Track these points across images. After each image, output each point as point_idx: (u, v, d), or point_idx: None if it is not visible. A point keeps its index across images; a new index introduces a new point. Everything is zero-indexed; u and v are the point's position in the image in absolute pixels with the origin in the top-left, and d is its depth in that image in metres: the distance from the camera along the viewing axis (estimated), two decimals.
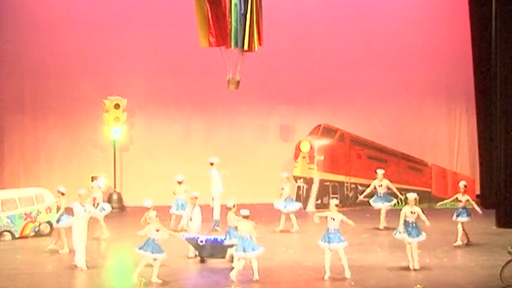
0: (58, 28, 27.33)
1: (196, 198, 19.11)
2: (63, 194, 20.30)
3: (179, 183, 22.88)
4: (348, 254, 19.01)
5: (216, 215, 22.60)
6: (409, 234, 17.72)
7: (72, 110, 27.71)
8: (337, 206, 17.43)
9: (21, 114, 27.83)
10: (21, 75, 27.66)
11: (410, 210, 17.78)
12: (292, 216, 22.52)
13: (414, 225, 17.78)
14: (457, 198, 20.56)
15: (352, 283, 16.48)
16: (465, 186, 20.50)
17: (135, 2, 27.70)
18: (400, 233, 17.78)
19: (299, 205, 23.23)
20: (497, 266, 16.48)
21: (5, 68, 27.47)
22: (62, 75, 27.51)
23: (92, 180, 26.06)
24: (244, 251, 16.77)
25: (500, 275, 16.01)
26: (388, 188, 23.00)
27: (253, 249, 16.80)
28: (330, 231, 17.18)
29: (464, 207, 20.36)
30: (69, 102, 27.65)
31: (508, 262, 16.09)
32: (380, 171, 23.14)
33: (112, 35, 27.49)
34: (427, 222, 17.66)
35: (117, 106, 27.03)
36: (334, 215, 17.20)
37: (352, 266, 17.81)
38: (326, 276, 16.93)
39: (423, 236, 17.84)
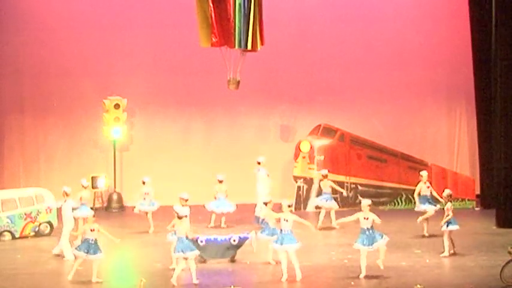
0: (58, 28, 27.33)
1: (186, 200, 18.78)
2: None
3: (220, 182, 22.99)
4: (348, 254, 19.04)
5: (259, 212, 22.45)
6: (363, 243, 17.03)
7: (72, 110, 27.72)
8: (289, 206, 17.21)
9: (21, 114, 27.84)
10: (21, 75, 27.66)
11: (364, 216, 17.15)
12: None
13: (370, 232, 17.06)
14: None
15: (352, 283, 16.48)
16: (450, 196, 19.24)
17: (135, 2, 27.71)
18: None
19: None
20: (497, 266, 16.48)
21: (5, 68, 27.47)
22: (62, 75, 27.51)
23: (92, 180, 26.13)
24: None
25: (500, 275, 16.00)
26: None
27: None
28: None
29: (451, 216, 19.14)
30: (69, 102, 27.65)
31: (508, 262, 16.08)
32: (324, 172, 23.31)
33: (112, 34, 27.50)
34: (378, 220, 17.12)
35: (117, 106, 27.03)
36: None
37: (352, 266, 17.82)
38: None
39: (384, 241, 17.10)
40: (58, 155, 27.90)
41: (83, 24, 27.33)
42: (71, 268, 17.31)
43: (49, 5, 27.57)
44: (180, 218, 16.85)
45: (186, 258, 16.53)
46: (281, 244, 16.88)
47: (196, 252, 16.86)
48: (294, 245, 16.86)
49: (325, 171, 23.43)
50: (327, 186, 23.16)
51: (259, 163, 23.37)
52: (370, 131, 27.48)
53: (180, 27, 25.94)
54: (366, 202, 17.23)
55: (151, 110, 27.95)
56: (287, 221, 16.92)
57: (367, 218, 17.05)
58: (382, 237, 17.07)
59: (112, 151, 27.36)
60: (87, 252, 17.08)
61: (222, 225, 22.83)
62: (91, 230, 17.15)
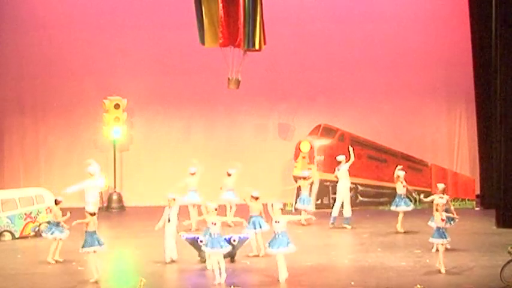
0: (58, 28, 27.34)
1: (174, 200, 18.68)
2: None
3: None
4: (348, 254, 19.06)
5: (347, 212, 22.58)
6: (271, 245, 16.72)
7: (72, 110, 27.72)
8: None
9: (21, 114, 27.84)
10: (21, 75, 27.67)
11: (275, 220, 16.74)
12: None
13: (280, 236, 16.70)
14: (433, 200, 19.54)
15: (353, 283, 16.48)
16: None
17: (135, 2, 27.71)
18: None
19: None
20: (497, 266, 16.48)
21: (5, 68, 27.47)
22: (62, 75, 27.52)
23: None
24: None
25: (500, 275, 16.00)
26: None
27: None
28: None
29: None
30: (69, 102, 27.66)
31: (508, 262, 16.08)
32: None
33: (112, 35, 27.50)
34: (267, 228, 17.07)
35: (117, 106, 27.04)
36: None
37: (352, 266, 17.83)
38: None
39: (288, 249, 16.71)
40: (58, 155, 27.90)
41: (83, 25, 27.34)
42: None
43: (49, 5, 27.57)
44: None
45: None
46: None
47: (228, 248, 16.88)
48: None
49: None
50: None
51: (340, 162, 22.92)
52: (370, 131, 27.48)
53: (180, 27, 25.94)
54: (277, 205, 16.82)
55: (151, 110, 27.96)
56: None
57: (278, 222, 16.66)
58: (287, 245, 16.58)
59: (112, 151, 27.36)
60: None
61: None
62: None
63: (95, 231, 17.18)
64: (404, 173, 22.09)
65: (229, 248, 16.99)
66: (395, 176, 21.99)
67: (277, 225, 16.70)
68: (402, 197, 21.93)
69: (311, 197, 24.15)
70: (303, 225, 22.78)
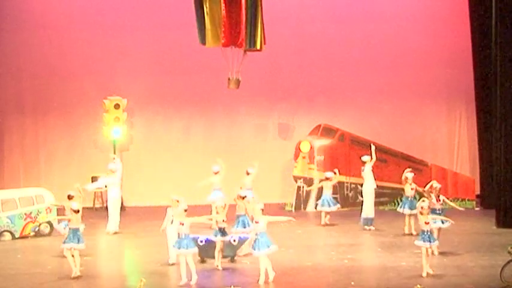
0: (58, 28, 27.36)
1: (178, 201, 18.61)
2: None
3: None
4: (348, 254, 19.04)
5: (370, 212, 22.35)
6: (255, 248, 16.46)
7: (72, 110, 27.74)
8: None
9: (21, 114, 27.86)
10: (21, 75, 27.69)
11: (255, 220, 16.57)
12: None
13: (259, 237, 16.40)
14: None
15: (353, 283, 16.46)
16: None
17: (136, 2, 27.72)
18: None
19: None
20: (497, 266, 16.45)
21: (5, 68, 27.50)
22: (62, 75, 27.54)
23: (92, 181, 26.08)
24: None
25: (500, 275, 15.98)
26: None
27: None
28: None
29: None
30: (69, 102, 27.68)
31: (508, 262, 16.05)
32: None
33: (112, 35, 27.52)
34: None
35: (117, 106, 27.04)
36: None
37: (352, 266, 17.82)
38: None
39: (269, 250, 16.44)
40: (58, 155, 27.92)
41: (83, 25, 27.36)
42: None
43: (49, 5, 27.60)
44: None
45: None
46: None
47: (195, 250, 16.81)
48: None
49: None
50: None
51: (364, 162, 22.53)
52: (370, 131, 27.48)
53: (180, 27, 25.95)
54: (258, 206, 16.69)
55: (151, 110, 27.97)
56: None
57: (258, 222, 16.49)
58: (268, 247, 16.41)
59: (112, 151, 27.34)
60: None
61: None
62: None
63: (78, 228, 17.36)
64: (413, 175, 21.60)
65: (195, 249, 16.77)
66: (403, 178, 21.56)
67: (257, 226, 16.55)
68: (410, 199, 21.35)
69: (333, 196, 23.79)
70: (325, 225, 22.82)
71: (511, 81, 22.51)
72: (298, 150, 26.51)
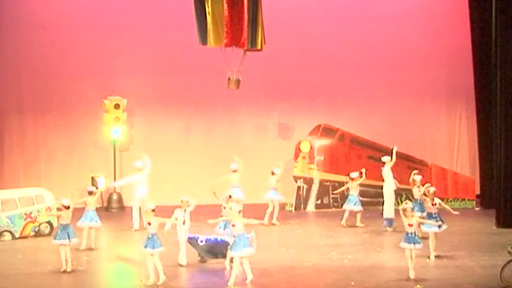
0: (58, 28, 27.33)
1: (187, 202, 18.57)
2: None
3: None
4: (348, 254, 19.05)
5: (390, 213, 22.28)
6: (232, 249, 16.56)
7: (72, 110, 27.71)
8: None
9: (21, 114, 27.84)
10: (21, 75, 27.66)
11: (232, 223, 16.60)
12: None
13: (237, 239, 16.52)
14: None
15: (353, 283, 16.48)
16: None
17: (135, 2, 27.71)
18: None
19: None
20: (497, 266, 16.48)
21: (5, 68, 27.47)
22: (62, 75, 27.52)
23: (92, 181, 26.11)
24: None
25: (500, 275, 16.01)
26: None
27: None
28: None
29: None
30: (69, 102, 27.65)
31: (508, 262, 16.08)
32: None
33: (112, 35, 27.50)
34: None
35: (117, 106, 27.04)
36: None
37: (352, 266, 17.82)
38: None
39: (247, 252, 16.49)
40: (58, 155, 27.90)
41: (83, 24, 27.33)
42: None
43: (49, 5, 27.57)
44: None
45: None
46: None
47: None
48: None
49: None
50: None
51: (384, 163, 22.65)
52: (370, 131, 27.48)
53: (180, 27, 25.90)
54: (236, 208, 16.71)
55: (151, 110, 27.96)
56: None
57: (235, 225, 16.51)
58: (243, 248, 16.39)
59: (112, 151, 27.36)
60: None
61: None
62: None
63: (68, 224, 17.51)
64: (421, 177, 21.44)
65: (162, 249, 16.77)
66: (410, 180, 21.42)
67: (234, 229, 16.56)
68: (418, 201, 20.95)
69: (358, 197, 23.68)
70: (357, 227, 22.77)
71: (511, 81, 22.53)
72: (298, 150, 26.51)
